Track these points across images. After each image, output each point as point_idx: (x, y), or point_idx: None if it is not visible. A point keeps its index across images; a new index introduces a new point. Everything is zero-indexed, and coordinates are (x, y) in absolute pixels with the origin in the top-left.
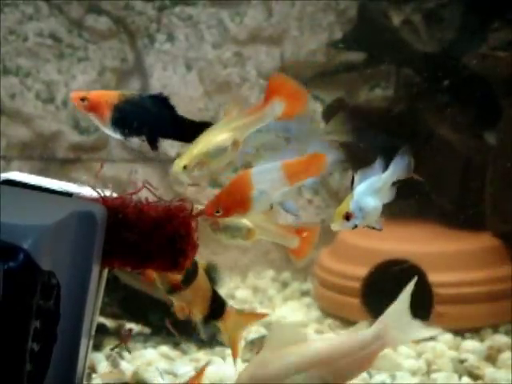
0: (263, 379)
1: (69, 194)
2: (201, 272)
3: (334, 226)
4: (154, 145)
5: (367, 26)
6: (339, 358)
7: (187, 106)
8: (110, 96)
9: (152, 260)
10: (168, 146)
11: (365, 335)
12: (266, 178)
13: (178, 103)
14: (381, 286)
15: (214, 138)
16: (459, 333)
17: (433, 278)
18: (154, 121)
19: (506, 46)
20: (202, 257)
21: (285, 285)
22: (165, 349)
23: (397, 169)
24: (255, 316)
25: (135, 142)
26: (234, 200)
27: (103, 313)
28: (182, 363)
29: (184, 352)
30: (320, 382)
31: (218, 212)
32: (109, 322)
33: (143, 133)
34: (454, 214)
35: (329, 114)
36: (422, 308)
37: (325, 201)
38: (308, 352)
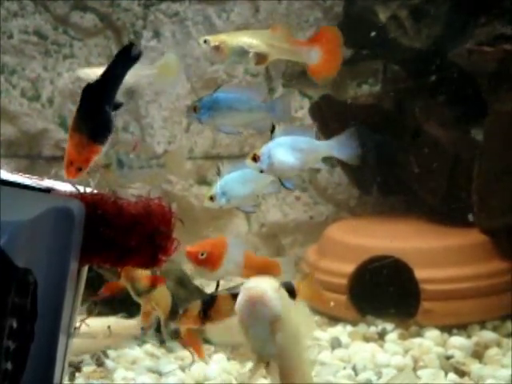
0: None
1: (46, 191)
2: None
3: (247, 163)
4: None
5: (354, 23)
6: None
7: (174, 103)
8: None
9: (131, 256)
10: (155, 143)
11: None
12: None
13: (165, 101)
14: (368, 283)
15: (248, 38)
16: (446, 329)
17: (420, 274)
18: None
19: (492, 40)
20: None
21: None
22: (150, 347)
23: (333, 146)
24: None
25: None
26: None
27: (89, 312)
28: (167, 361)
29: (169, 350)
30: None
31: (202, 255)
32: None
33: None
34: (442, 210)
35: (316, 110)
36: (409, 304)
37: (313, 197)
38: None
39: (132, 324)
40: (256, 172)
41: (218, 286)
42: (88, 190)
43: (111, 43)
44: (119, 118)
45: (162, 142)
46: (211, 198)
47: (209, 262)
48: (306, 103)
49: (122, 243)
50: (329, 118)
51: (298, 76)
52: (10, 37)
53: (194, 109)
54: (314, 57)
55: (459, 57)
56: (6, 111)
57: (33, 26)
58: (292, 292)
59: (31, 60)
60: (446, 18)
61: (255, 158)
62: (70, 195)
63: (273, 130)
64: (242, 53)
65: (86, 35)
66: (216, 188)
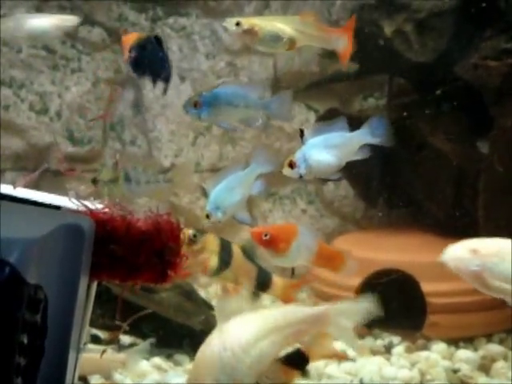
0: (229, 354)
1: (57, 207)
2: (237, 251)
3: (284, 171)
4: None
5: (359, 37)
6: (292, 325)
7: (181, 117)
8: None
9: (140, 272)
10: (162, 156)
11: (312, 311)
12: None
13: (171, 114)
14: (374, 296)
15: (276, 23)
16: (453, 342)
17: (426, 287)
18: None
19: (498, 55)
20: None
21: None
22: (158, 360)
23: (366, 132)
24: (301, 282)
25: None
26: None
27: (96, 324)
28: (175, 374)
29: (177, 363)
30: (279, 347)
31: (265, 236)
32: (102, 334)
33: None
34: (448, 222)
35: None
36: (415, 317)
37: (319, 210)
38: (267, 319)
39: (119, 358)
40: (238, 176)
41: (293, 272)
42: (97, 206)
43: (119, 57)
44: (127, 132)
45: (169, 156)
46: (207, 217)
47: (275, 244)
48: (312, 116)
49: (131, 259)
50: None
51: (304, 89)
52: (19, 51)
53: (194, 104)
54: (342, 44)
55: (464, 71)
56: (13, 124)
57: (41, 41)
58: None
59: (39, 74)
60: (451, 31)
61: (291, 165)
62: (80, 212)
63: (302, 134)
64: (274, 38)
65: (93, 49)
66: (209, 205)
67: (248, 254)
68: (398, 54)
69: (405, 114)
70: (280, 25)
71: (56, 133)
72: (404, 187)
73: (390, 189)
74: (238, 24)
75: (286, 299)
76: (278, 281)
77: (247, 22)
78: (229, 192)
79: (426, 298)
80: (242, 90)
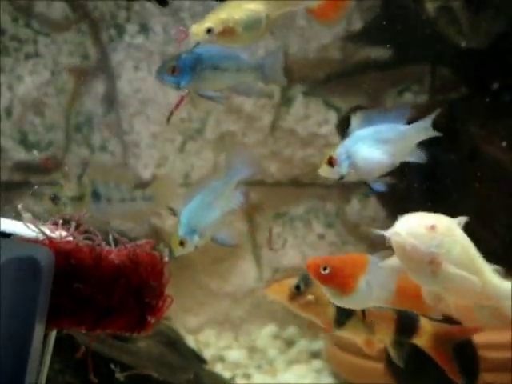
0: None
1: (5, 235)
2: None
3: (321, 172)
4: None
5: (393, 16)
6: None
7: (165, 115)
8: None
9: (113, 318)
10: (140, 166)
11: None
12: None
13: (153, 112)
14: (410, 348)
15: (246, 5)
16: None
17: (478, 337)
18: None
19: None
20: (185, 310)
21: (289, 344)
22: None
23: (426, 126)
24: (463, 330)
25: None
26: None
27: (54, 383)
28: None
29: None
30: None
31: (325, 269)
32: None
33: None
34: (504, 252)
35: (345, 126)
36: (465, 374)
37: (340, 236)
38: None
39: None
40: (213, 188)
41: (364, 316)
42: (58, 232)
43: (86, 39)
44: (96, 134)
45: (149, 165)
46: (181, 244)
47: (337, 280)
48: (333, 116)
49: (101, 301)
50: None
51: (323, 82)
52: None
53: (172, 70)
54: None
55: None
56: None
57: None
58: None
59: None
60: (510, 10)
61: (331, 162)
62: (36, 241)
63: (348, 122)
64: (253, 23)
65: (54, 29)
66: (181, 229)
67: None
68: (443, 37)
69: (452, 113)
70: (251, 5)
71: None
72: (450, 207)
73: (432, 208)
74: (209, 30)
75: (437, 352)
76: (427, 325)
77: (217, 21)
78: (204, 209)
79: (479, 350)
80: (229, 49)
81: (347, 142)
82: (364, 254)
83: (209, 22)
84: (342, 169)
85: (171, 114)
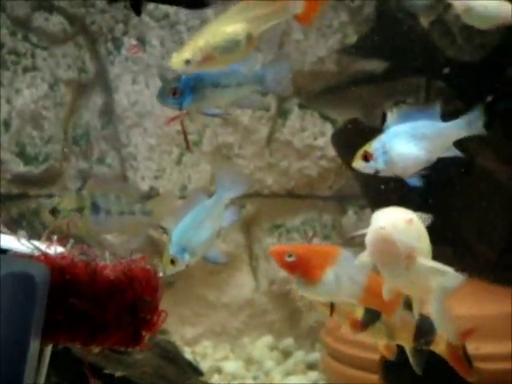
0: None
1: (2, 251)
2: None
3: (355, 165)
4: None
5: (388, 28)
6: None
7: (162, 128)
8: None
9: (108, 333)
10: (138, 178)
11: None
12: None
13: (151, 125)
14: (406, 359)
15: (224, 28)
16: None
17: (474, 348)
18: None
19: None
20: (182, 321)
21: (286, 355)
22: None
23: (464, 123)
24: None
25: None
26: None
27: None
28: None
29: None
30: None
31: (290, 256)
32: None
33: None
34: (501, 265)
35: (340, 138)
36: None
37: None
38: None
39: None
40: (204, 206)
41: (331, 310)
42: (54, 248)
43: (84, 53)
44: (94, 147)
45: (147, 177)
46: (172, 262)
47: (302, 268)
48: (329, 128)
49: (97, 316)
50: (357, 148)
51: (318, 94)
52: None
53: (173, 93)
54: (299, 5)
55: None
56: None
57: None
58: None
59: None
60: None
61: (366, 157)
62: (32, 256)
63: (384, 118)
64: (232, 46)
65: (51, 42)
66: (172, 247)
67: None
68: (438, 50)
69: None
70: (228, 27)
71: (3, 148)
72: (446, 221)
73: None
74: (188, 62)
75: (455, 358)
76: (444, 334)
77: (195, 50)
78: (195, 228)
79: (474, 362)
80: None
81: (383, 137)
82: (336, 246)
83: (187, 51)
84: (378, 164)
85: (187, 142)
